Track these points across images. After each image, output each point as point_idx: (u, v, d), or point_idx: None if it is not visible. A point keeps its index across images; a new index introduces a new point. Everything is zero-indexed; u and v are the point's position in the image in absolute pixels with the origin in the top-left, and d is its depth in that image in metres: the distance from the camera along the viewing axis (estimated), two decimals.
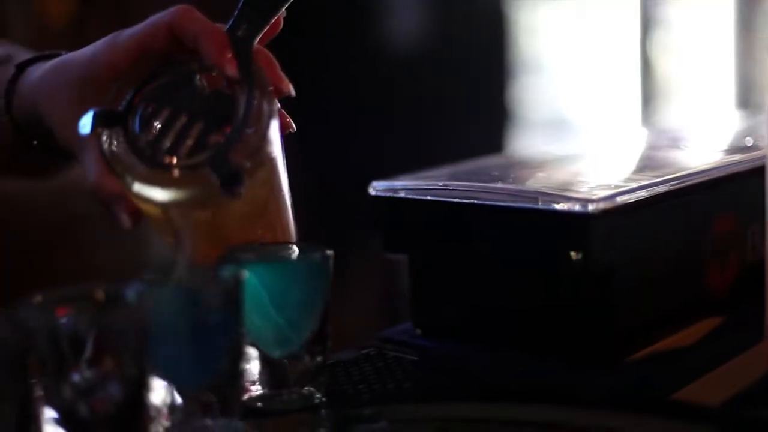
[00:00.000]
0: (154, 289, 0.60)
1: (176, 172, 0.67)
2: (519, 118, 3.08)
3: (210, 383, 0.63)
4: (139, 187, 0.67)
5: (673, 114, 3.27)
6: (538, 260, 0.73)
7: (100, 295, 0.59)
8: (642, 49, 3.28)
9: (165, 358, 0.61)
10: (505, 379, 0.73)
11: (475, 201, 0.75)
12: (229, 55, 0.67)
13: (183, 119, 0.68)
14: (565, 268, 0.71)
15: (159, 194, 0.67)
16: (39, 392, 0.56)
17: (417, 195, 0.78)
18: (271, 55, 0.70)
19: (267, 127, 0.67)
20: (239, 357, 0.64)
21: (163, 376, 0.62)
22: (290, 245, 0.71)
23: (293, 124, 0.72)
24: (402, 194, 0.79)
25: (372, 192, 0.81)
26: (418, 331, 0.81)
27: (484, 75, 2.96)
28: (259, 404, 0.68)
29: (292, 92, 0.70)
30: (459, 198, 0.76)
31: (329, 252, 0.68)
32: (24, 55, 0.78)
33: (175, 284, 0.64)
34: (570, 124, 3.24)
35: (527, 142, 3.03)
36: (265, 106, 0.67)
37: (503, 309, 0.77)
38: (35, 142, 0.77)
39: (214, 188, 0.65)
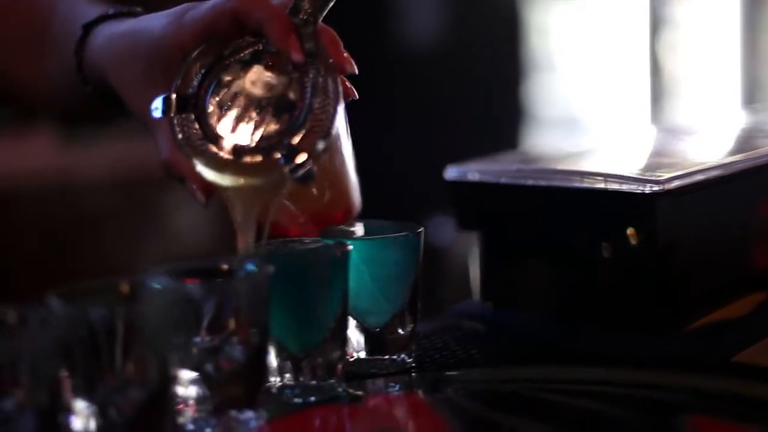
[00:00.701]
0: (273, 260, 0.66)
1: (247, 160, 0.67)
2: (531, 115, 3.14)
3: (317, 347, 0.69)
4: (208, 172, 0.67)
5: (681, 111, 3.34)
6: (605, 237, 0.80)
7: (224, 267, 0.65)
8: (651, 49, 3.34)
9: (278, 323, 0.67)
10: (574, 346, 0.79)
11: (547, 183, 0.81)
12: (294, 40, 0.67)
13: (252, 103, 0.68)
14: (631, 245, 0.78)
15: (229, 180, 0.67)
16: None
17: (490, 178, 0.84)
18: (334, 34, 0.70)
19: (335, 108, 0.67)
20: (344, 324, 0.71)
21: (276, 340, 0.68)
22: (382, 223, 0.77)
23: (355, 91, 0.72)
24: (476, 177, 0.85)
25: (447, 175, 0.87)
26: (489, 305, 0.87)
27: (497, 74, 3.02)
28: (359, 368, 0.74)
29: (356, 70, 0.70)
30: (530, 180, 0.83)
31: (421, 229, 0.75)
32: (89, 11, 0.79)
33: (288, 257, 0.70)
34: (580, 122, 3.30)
35: (539, 139, 3.09)
36: (331, 87, 0.67)
37: (571, 283, 0.83)
38: (100, 96, 0.77)
39: (285, 175, 0.65)
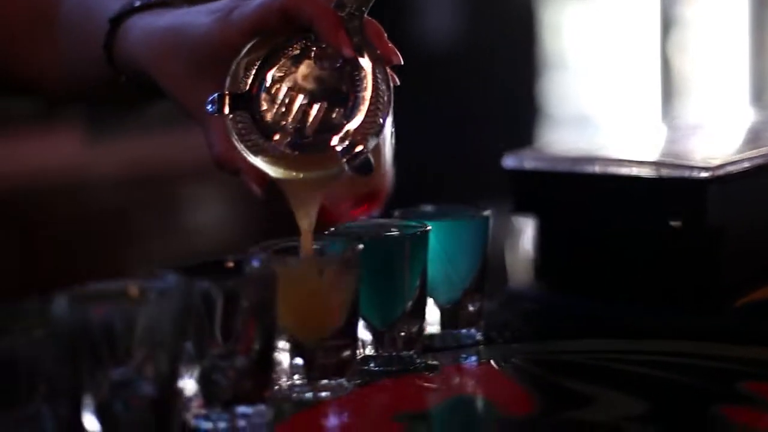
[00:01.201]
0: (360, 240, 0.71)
1: (305, 154, 0.68)
2: (544, 113, 3.19)
3: (397, 321, 0.75)
4: (268, 168, 0.69)
5: (690, 109, 3.39)
6: (657, 221, 0.85)
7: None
8: (661, 48, 3.40)
9: (363, 299, 0.72)
10: (629, 322, 0.84)
11: (601, 170, 0.87)
12: (344, 35, 0.67)
13: (304, 98, 0.69)
14: (681, 228, 0.83)
15: (289, 174, 0.69)
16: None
17: (546, 166, 0.90)
18: (379, 26, 0.70)
19: (388, 99, 0.68)
20: (422, 299, 0.76)
21: (361, 315, 0.73)
22: (448, 207, 0.83)
23: (396, 78, 0.72)
24: (532, 166, 0.90)
25: (506, 164, 0.93)
26: (543, 285, 0.93)
27: (511, 72, 3.08)
28: (433, 342, 0.79)
29: (401, 60, 0.70)
30: (584, 168, 0.88)
31: (489, 212, 0.80)
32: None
33: (373, 237, 0.75)
34: (592, 120, 3.35)
35: (553, 136, 3.14)
36: (381, 78, 0.68)
37: (623, 264, 0.89)
38: (135, 86, 0.78)
39: (344, 167, 0.67)
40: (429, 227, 0.75)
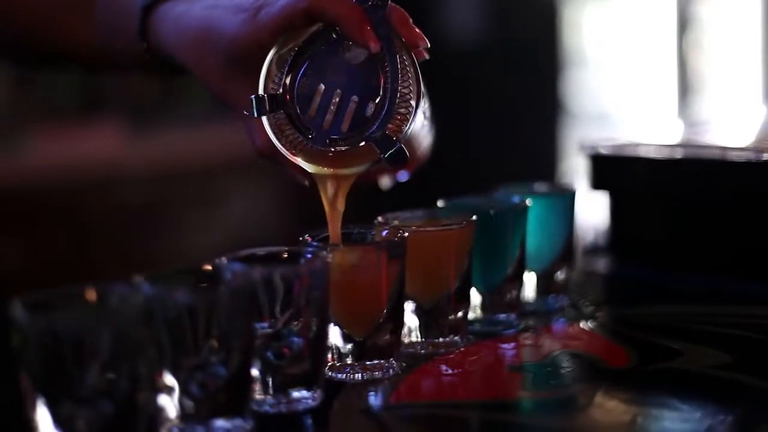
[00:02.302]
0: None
1: (343, 151, 0.70)
2: (565, 109, 3.27)
3: (500, 286, 0.83)
4: (303, 164, 0.71)
5: (706, 106, 3.48)
6: (727, 198, 0.94)
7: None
8: (678, 46, 3.48)
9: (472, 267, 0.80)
10: (701, 290, 0.93)
11: (668, 154, 0.96)
12: (369, 31, 0.68)
13: (337, 94, 0.70)
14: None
15: (323, 170, 0.71)
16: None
17: (620, 151, 1.00)
18: (403, 12, 0.70)
19: (418, 88, 0.69)
20: (521, 267, 0.85)
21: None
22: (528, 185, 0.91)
23: (426, 53, 0.72)
24: (608, 151, 1.00)
25: (585, 150, 1.02)
26: (612, 257, 1.02)
27: (533, 68, 3.16)
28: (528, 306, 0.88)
29: (428, 44, 0.71)
30: (653, 151, 0.97)
31: (576, 189, 0.89)
32: None
33: (480, 210, 0.83)
34: (610, 116, 3.44)
35: (574, 132, 3.22)
36: (410, 68, 0.69)
37: (694, 239, 0.97)
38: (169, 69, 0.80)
39: (381, 161, 0.69)
40: (530, 202, 0.83)
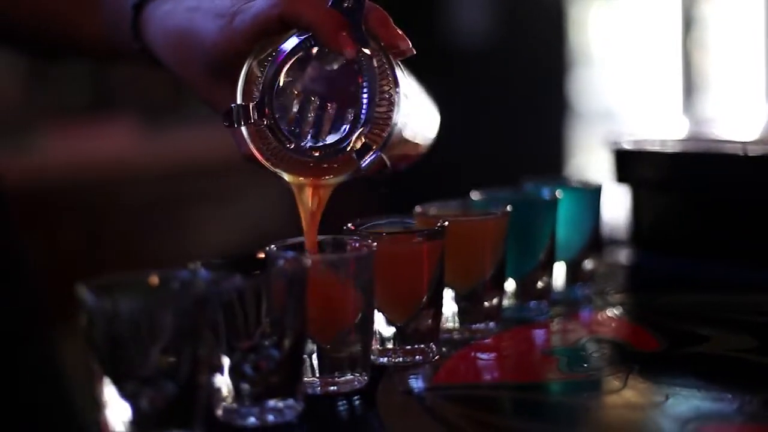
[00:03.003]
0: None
1: (323, 160, 0.68)
2: (571, 108, 3.31)
3: (530, 274, 0.86)
4: (284, 173, 0.69)
5: (710, 104, 3.51)
6: (750, 192, 0.98)
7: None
8: (683, 45, 3.52)
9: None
10: (723, 280, 0.96)
11: (689, 148, 1.00)
12: (345, 37, 0.66)
13: (315, 101, 0.68)
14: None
15: (303, 180, 0.70)
16: None
17: (643, 146, 1.03)
18: (382, 12, 0.68)
19: (396, 93, 0.67)
20: (551, 257, 0.88)
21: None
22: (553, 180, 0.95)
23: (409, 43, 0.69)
24: (631, 146, 1.04)
25: (609, 145, 1.05)
26: (635, 247, 1.05)
27: (539, 67, 3.19)
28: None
29: (409, 45, 0.68)
30: (672, 146, 1.01)
31: (602, 183, 0.92)
32: None
33: (513, 203, 0.86)
34: (616, 114, 3.47)
35: (580, 129, 3.26)
36: (389, 72, 0.67)
37: (714, 230, 1.01)
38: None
39: (360, 170, 0.67)
40: (560, 195, 0.87)
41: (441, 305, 0.76)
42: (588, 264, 0.92)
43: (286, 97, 0.68)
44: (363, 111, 0.67)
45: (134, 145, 2.61)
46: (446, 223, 0.75)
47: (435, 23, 3.01)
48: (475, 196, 0.88)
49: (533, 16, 3.18)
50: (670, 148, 1.02)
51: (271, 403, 0.65)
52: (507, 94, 3.08)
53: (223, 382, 0.65)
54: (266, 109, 0.68)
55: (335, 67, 0.68)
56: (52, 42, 0.95)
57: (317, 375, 0.70)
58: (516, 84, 3.09)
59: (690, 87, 3.53)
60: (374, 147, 0.67)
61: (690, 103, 3.50)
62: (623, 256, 1.06)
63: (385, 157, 0.68)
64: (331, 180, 0.69)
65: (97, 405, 0.61)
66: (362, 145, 0.67)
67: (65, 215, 2.49)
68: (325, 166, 0.68)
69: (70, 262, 2.41)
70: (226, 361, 0.65)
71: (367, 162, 0.67)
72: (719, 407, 0.66)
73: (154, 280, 0.64)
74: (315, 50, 0.68)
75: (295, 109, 0.68)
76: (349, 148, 0.67)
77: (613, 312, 0.88)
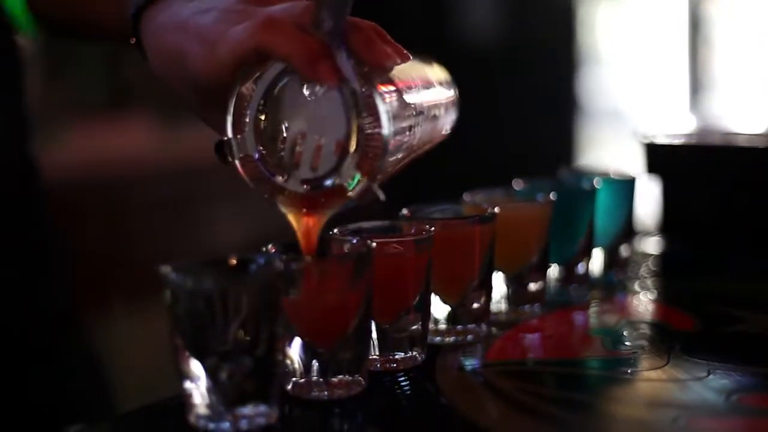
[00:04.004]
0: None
1: (315, 191, 0.66)
2: (580, 106, 3.35)
3: (572, 259, 0.91)
4: (280, 205, 0.68)
5: (716, 103, 3.55)
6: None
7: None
8: (690, 45, 3.56)
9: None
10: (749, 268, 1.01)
11: (717, 142, 1.04)
12: (323, 67, 0.63)
13: (302, 132, 0.65)
14: None
15: (298, 211, 0.68)
16: None
17: (671, 140, 1.08)
18: (367, 33, 0.65)
19: (385, 119, 0.63)
20: (590, 244, 0.92)
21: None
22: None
23: (404, 52, 0.66)
24: (661, 140, 1.08)
25: (641, 139, 1.10)
26: (665, 236, 1.10)
27: (549, 66, 3.23)
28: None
29: (396, 61, 0.66)
30: (700, 140, 1.05)
31: (636, 176, 0.97)
32: None
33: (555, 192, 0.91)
34: (623, 113, 3.52)
35: (590, 127, 3.30)
36: (377, 98, 0.63)
37: (740, 220, 1.05)
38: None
39: (353, 200, 0.65)
40: (599, 185, 0.91)
41: (491, 288, 0.81)
42: (623, 251, 0.97)
43: (274, 127, 0.66)
44: (350, 141, 0.64)
45: (151, 143, 2.64)
46: (496, 209, 0.80)
47: (445, 23, 3.06)
48: (517, 185, 0.92)
49: (542, 16, 3.22)
50: (698, 141, 1.07)
51: (338, 378, 0.69)
52: (516, 92, 3.12)
53: (293, 359, 0.69)
54: (252, 143, 0.66)
55: (318, 96, 0.65)
56: (77, 21, 0.96)
57: (377, 353, 0.74)
58: (525, 82, 3.13)
59: (697, 85, 3.57)
60: (366, 176, 0.64)
61: (697, 101, 3.55)
62: (653, 244, 1.11)
63: (379, 192, 0.65)
64: (325, 212, 0.68)
65: (179, 378, 0.65)
66: (354, 177, 0.64)
67: (82, 212, 2.52)
68: (316, 198, 0.66)
69: (87, 259, 2.45)
70: (297, 341, 0.69)
71: (357, 193, 0.65)
72: (759, 381, 0.70)
73: (233, 261, 0.68)
74: (297, 79, 0.65)
75: (281, 141, 0.66)
76: (338, 182, 0.65)
77: (648, 296, 0.92)
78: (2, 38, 1.00)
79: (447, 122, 0.79)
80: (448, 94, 0.79)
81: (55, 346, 1.07)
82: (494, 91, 3.08)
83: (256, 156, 0.66)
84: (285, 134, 0.65)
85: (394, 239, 0.74)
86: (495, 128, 3.09)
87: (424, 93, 0.73)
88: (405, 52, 0.67)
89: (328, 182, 0.65)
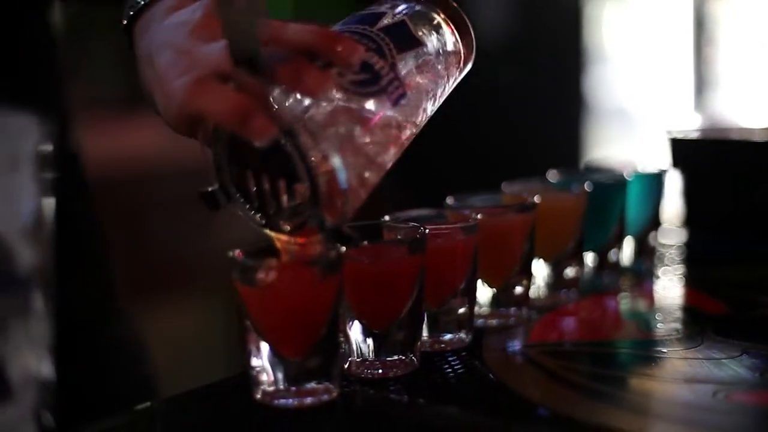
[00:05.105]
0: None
1: (290, 235, 0.67)
2: (586, 104, 3.38)
3: (604, 246, 0.95)
4: (273, 237, 0.69)
5: (721, 102, 3.60)
6: None
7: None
8: (695, 44, 3.61)
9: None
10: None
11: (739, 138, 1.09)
12: (255, 123, 0.61)
13: (271, 177, 0.65)
14: None
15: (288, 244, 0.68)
16: None
17: (696, 135, 1.12)
18: (290, 66, 0.63)
19: (336, 165, 0.63)
20: (622, 233, 0.97)
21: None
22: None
23: (354, 50, 0.64)
24: (686, 135, 1.13)
25: (669, 134, 1.14)
26: (688, 227, 1.14)
27: (556, 64, 3.27)
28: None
29: (354, 60, 0.64)
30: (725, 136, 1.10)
31: (665, 169, 1.01)
32: None
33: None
34: (628, 112, 3.56)
35: (596, 125, 3.33)
36: (306, 148, 0.62)
37: (758, 213, 1.09)
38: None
39: (325, 240, 0.66)
40: (630, 178, 0.95)
41: (531, 274, 0.85)
42: (652, 240, 1.01)
43: (246, 178, 0.66)
44: (306, 185, 0.63)
45: (167, 141, 2.65)
46: (537, 198, 0.84)
47: None
48: (552, 177, 0.97)
49: (549, 16, 3.26)
50: (721, 136, 1.11)
51: (392, 358, 0.74)
52: (523, 91, 3.16)
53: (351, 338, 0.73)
54: (231, 192, 0.67)
55: (266, 146, 0.62)
56: None
57: (427, 335, 0.78)
58: (532, 81, 3.17)
59: (701, 84, 3.62)
60: (330, 217, 0.64)
61: (701, 100, 3.59)
62: (678, 235, 1.15)
63: (344, 229, 0.65)
64: (313, 244, 0.68)
65: (246, 357, 0.69)
66: (321, 219, 0.64)
67: (99, 208, 2.54)
68: (303, 233, 0.67)
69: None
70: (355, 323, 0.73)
71: (329, 234, 0.66)
72: None
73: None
74: None
75: (254, 188, 0.66)
76: (306, 222, 0.65)
77: (677, 282, 0.96)
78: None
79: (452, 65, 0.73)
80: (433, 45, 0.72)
81: (100, 336, 1.10)
82: (501, 89, 3.12)
83: (241, 200, 0.67)
84: (251, 182, 0.66)
85: (445, 225, 0.78)
86: (500, 126, 3.12)
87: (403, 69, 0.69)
88: (353, 53, 0.64)
89: (300, 224, 0.66)
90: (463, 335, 0.79)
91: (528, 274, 0.84)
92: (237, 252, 0.70)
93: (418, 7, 0.72)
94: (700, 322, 0.83)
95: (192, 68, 0.64)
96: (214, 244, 2.53)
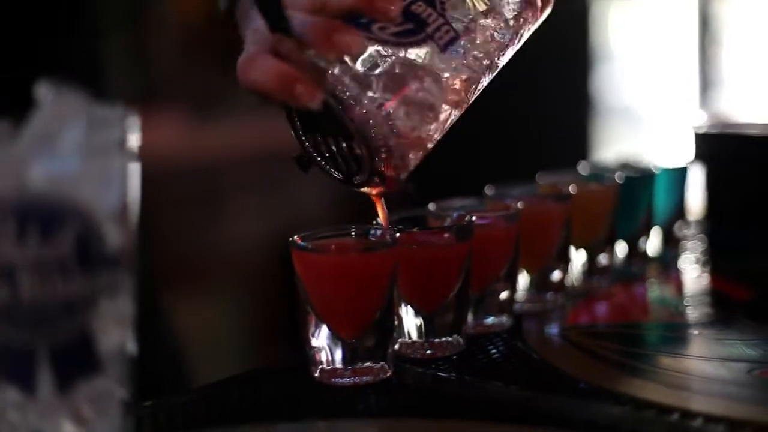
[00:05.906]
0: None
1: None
2: (592, 103, 3.42)
3: (633, 235, 1.00)
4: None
5: (726, 101, 3.63)
6: None
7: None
8: (700, 43, 3.65)
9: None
10: None
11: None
12: (299, 89, 0.63)
13: (331, 140, 0.68)
14: None
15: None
16: None
17: (718, 130, 1.17)
18: (318, 30, 0.63)
19: (388, 131, 0.65)
20: (649, 223, 1.01)
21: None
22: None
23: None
24: (710, 130, 1.17)
25: (695, 129, 1.18)
26: (711, 220, 1.18)
27: (562, 64, 3.31)
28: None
29: (392, 12, 0.65)
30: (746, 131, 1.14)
31: (690, 163, 1.05)
32: None
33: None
34: (634, 111, 3.60)
35: (602, 124, 3.37)
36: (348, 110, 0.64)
37: None
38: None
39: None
40: (657, 172, 1.00)
41: (568, 261, 0.89)
42: (677, 231, 1.05)
43: (313, 144, 0.69)
44: (360, 147, 0.66)
45: (183, 136, 2.67)
46: (572, 188, 0.88)
47: None
48: (583, 169, 1.01)
49: (556, 16, 3.29)
50: (744, 131, 1.15)
51: (439, 339, 0.78)
52: (530, 90, 3.19)
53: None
54: (311, 156, 0.70)
55: (320, 110, 0.64)
56: None
57: (471, 319, 0.82)
58: (539, 80, 3.20)
59: (706, 83, 3.66)
60: (389, 176, 0.67)
61: (706, 99, 3.63)
62: (702, 226, 1.18)
63: (405, 183, 0.68)
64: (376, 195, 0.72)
65: (307, 343, 0.72)
66: (375, 173, 0.67)
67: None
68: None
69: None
70: (403, 306, 0.77)
71: (380, 184, 0.68)
72: None
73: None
74: None
75: (322, 151, 0.69)
76: (370, 177, 0.68)
77: (703, 270, 1.00)
78: None
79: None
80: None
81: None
82: (508, 88, 3.15)
83: (322, 162, 0.70)
84: (321, 145, 0.69)
85: (488, 213, 0.82)
86: (508, 124, 3.16)
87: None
88: (391, 3, 0.65)
89: (364, 179, 0.69)
90: (504, 319, 0.83)
91: (565, 261, 0.88)
92: (296, 237, 0.73)
93: None
94: (730, 306, 0.88)
95: (250, 46, 0.67)
96: (212, 246, 2.56)
